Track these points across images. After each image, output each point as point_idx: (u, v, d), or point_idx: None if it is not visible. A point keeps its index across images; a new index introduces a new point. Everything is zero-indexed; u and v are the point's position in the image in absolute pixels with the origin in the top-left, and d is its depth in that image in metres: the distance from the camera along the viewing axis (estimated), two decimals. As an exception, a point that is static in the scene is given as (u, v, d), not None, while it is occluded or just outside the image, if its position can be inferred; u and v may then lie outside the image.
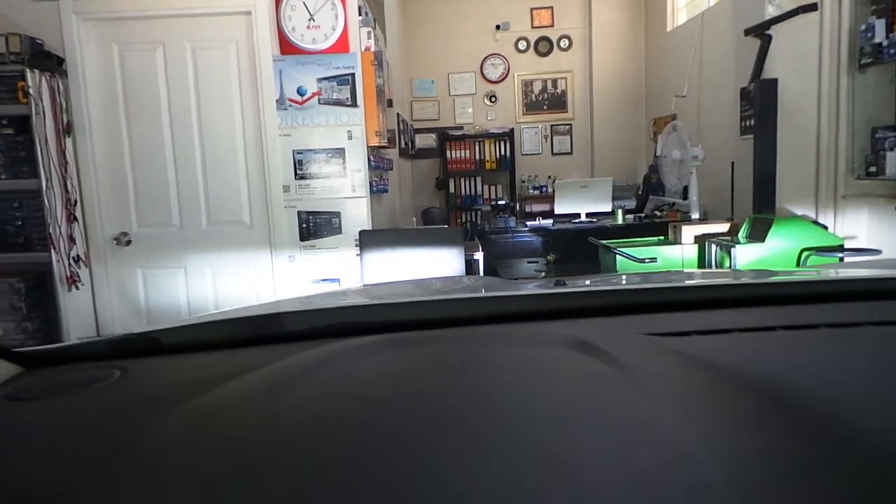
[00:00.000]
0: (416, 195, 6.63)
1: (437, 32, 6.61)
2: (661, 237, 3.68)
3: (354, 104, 2.83)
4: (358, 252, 2.78)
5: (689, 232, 3.35)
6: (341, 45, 2.78)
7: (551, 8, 6.58)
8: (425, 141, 6.72)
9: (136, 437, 0.39)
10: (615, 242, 3.59)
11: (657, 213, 5.28)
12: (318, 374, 0.46)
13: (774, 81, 3.06)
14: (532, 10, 6.59)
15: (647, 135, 6.53)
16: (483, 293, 0.90)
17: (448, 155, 6.55)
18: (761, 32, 3.05)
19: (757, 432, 0.34)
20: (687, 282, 0.97)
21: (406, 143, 5.71)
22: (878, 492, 0.28)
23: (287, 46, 2.78)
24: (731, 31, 4.53)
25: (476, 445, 0.33)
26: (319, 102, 2.82)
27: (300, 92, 2.82)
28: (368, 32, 2.84)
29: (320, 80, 2.81)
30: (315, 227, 2.88)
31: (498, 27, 6.56)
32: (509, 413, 0.37)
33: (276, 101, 2.82)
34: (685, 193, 5.51)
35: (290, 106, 2.83)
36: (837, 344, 0.52)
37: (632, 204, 5.97)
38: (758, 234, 2.96)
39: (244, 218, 2.93)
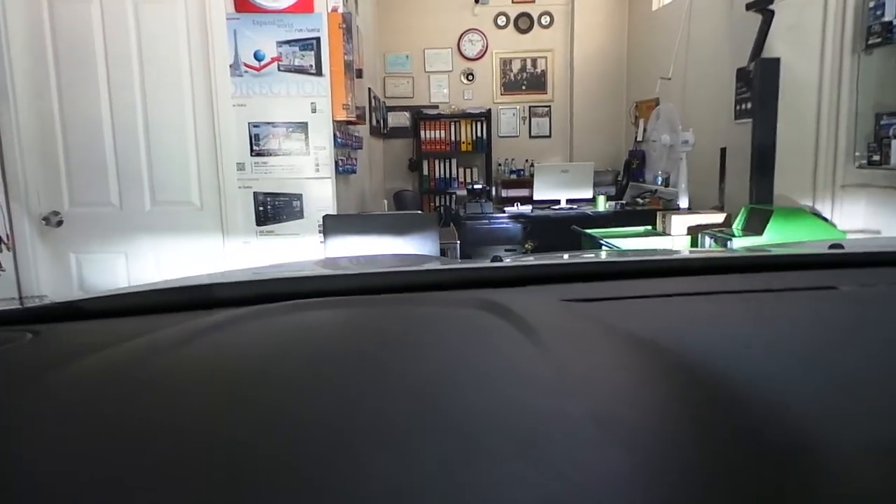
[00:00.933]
0: (388, 177, 6.32)
1: (413, 5, 6.26)
2: (649, 227, 3.47)
3: (319, 73, 2.52)
4: (322, 239, 2.49)
5: (679, 222, 3.13)
6: (305, 4, 2.46)
7: (533, -18, 6.28)
8: (398, 119, 6.39)
9: (35, 393, 0.39)
10: (600, 232, 3.37)
11: (639, 200, 5.08)
12: (221, 332, 0.47)
13: (776, 61, 2.84)
14: (513, -17, 6.28)
15: (629, 119, 6.31)
16: (413, 267, 0.92)
17: (422, 135, 6.24)
18: (763, 7, 2.82)
19: (637, 387, 0.35)
20: (640, 258, 1.00)
21: (378, 121, 5.39)
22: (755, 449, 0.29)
23: (243, 3, 2.45)
24: (721, 10, 4.31)
25: (365, 389, 0.34)
26: (279, 69, 2.51)
27: (257, 57, 2.49)
28: (336, -8, 2.53)
29: (280, 43, 2.49)
30: (273, 210, 2.57)
31: (477, 1, 6.23)
32: (402, 361, 0.39)
33: (230, 66, 2.49)
34: (667, 181, 5.34)
35: (246, 72, 2.50)
36: (738, 308, 0.55)
37: (611, 190, 5.78)
38: (755, 227, 2.76)
39: (193, 198, 2.60)
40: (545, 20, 6.37)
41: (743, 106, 3.17)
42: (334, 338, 0.46)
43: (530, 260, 0.95)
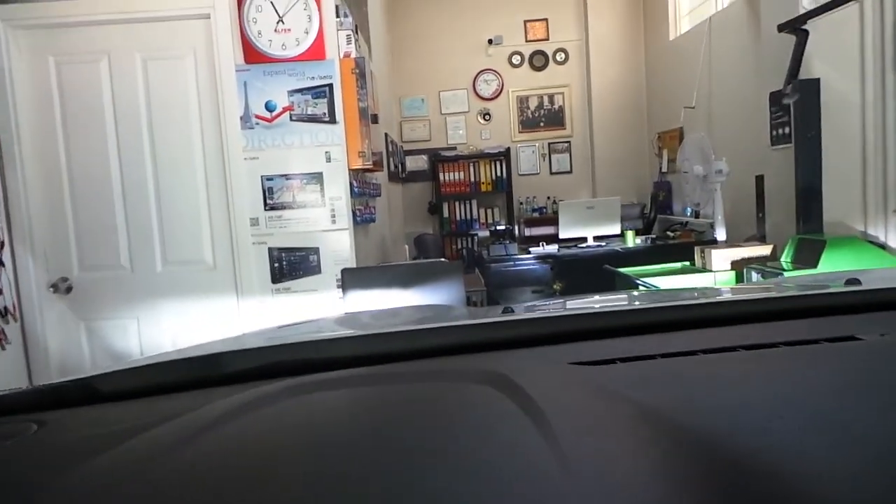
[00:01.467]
0: (408, 221, 6.21)
1: (427, 48, 6.26)
2: (686, 263, 3.27)
3: (333, 120, 2.42)
4: (341, 294, 2.34)
5: (720, 257, 2.93)
6: (316, 52, 2.37)
7: (546, 20, 6.25)
8: (416, 163, 6.32)
9: (37, 498, 0.38)
10: (635, 271, 3.18)
11: (669, 233, 4.88)
12: (226, 424, 0.46)
13: (816, 82, 2.67)
14: (525, 22, 6.25)
15: (651, 150, 6.16)
16: (420, 326, 0.89)
17: (441, 177, 6.15)
18: (797, 27, 2.67)
19: (650, 468, 0.34)
20: (656, 303, 0.94)
21: (396, 166, 5.31)
22: None
23: (252, 54, 2.37)
24: (745, 34, 4.19)
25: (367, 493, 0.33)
26: (291, 119, 2.41)
27: (269, 107, 2.40)
28: (348, 36, 2.44)
29: (292, 92, 2.39)
30: (289, 265, 2.44)
31: (490, 41, 6.21)
32: (402, 457, 0.38)
33: (241, 118, 2.40)
34: (697, 212, 5.14)
35: (258, 124, 2.41)
36: (754, 369, 0.52)
37: (638, 224, 5.59)
38: (807, 259, 2.55)
39: (206, 257, 2.48)
40: (560, 56, 6.31)
41: (780, 131, 2.99)
42: (330, 429, 0.44)
43: (542, 311, 0.92)
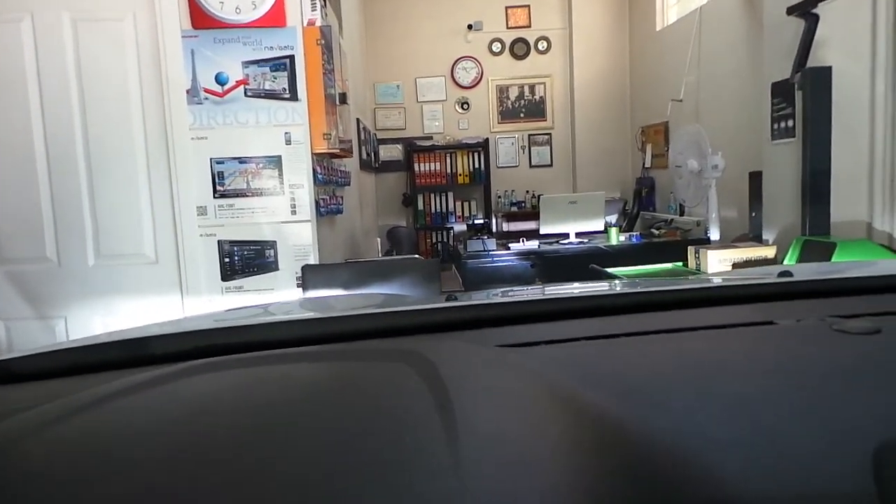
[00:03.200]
0: (381, 213, 5.92)
1: (403, 32, 5.95)
2: (678, 263, 3.05)
3: (294, 97, 2.13)
4: (302, 294, 2.07)
5: (717, 258, 2.71)
6: (275, 17, 2.08)
7: (528, 7, 5.99)
8: (390, 152, 6.02)
9: None
10: (623, 272, 2.95)
11: (654, 231, 4.68)
12: (113, 402, 0.45)
13: (828, 70, 2.46)
14: (507, 8, 5.98)
15: (635, 144, 5.96)
16: (356, 311, 0.85)
17: (416, 168, 5.86)
18: (807, 11, 2.45)
19: (542, 454, 0.33)
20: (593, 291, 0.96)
21: (368, 154, 5.01)
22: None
23: (201, 18, 2.06)
24: (738, 25, 3.99)
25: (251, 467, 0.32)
26: (246, 94, 2.11)
27: (220, 80, 2.10)
28: (313, 2, 2.15)
29: (247, 63, 2.09)
30: (242, 261, 2.14)
31: (470, 27, 5.93)
32: (285, 431, 0.36)
33: (187, 91, 2.09)
34: (682, 209, 4.96)
35: (207, 98, 2.10)
36: (671, 349, 0.53)
37: (619, 221, 5.39)
38: (814, 262, 2.34)
39: (145, 250, 2.17)
40: (542, 45, 6.07)
41: (783, 124, 2.78)
42: (212, 407, 0.42)
43: (479, 300, 0.93)
